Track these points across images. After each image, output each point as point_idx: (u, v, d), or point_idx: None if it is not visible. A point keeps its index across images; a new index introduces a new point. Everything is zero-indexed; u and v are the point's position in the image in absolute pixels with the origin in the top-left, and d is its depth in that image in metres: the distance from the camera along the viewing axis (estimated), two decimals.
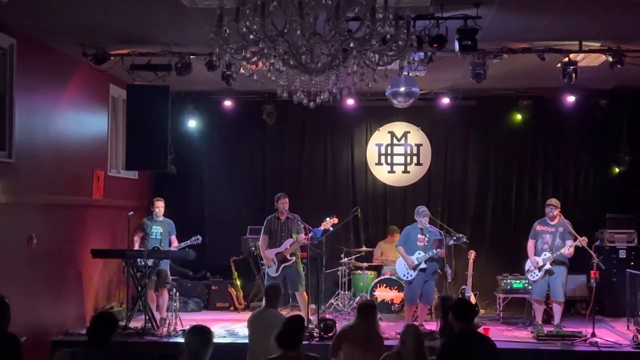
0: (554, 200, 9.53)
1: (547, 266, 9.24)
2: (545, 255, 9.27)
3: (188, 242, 9.84)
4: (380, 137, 12.42)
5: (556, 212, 9.34)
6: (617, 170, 11.73)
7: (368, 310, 6.32)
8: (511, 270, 10.82)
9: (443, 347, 5.21)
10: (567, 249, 9.17)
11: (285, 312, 10.39)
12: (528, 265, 9.54)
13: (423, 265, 9.51)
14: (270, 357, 5.17)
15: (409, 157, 12.37)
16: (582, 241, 9.13)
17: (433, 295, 9.75)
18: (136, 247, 9.81)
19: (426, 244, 9.58)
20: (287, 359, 5.00)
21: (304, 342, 5.45)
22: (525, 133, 11.98)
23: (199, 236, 9.93)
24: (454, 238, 9.66)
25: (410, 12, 5.01)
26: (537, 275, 9.34)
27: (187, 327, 8.92)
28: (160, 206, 9.93)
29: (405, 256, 9.64)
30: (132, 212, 9.76)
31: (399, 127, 12.39)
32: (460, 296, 9.75)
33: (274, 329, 5.79)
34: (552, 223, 9.39)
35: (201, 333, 4.91)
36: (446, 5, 7.25)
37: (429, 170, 12.31)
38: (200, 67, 9.07)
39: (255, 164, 12.55)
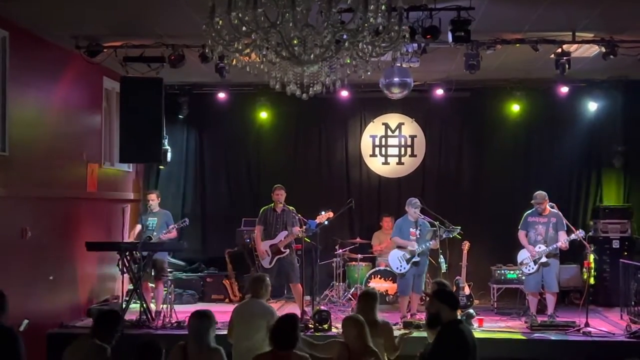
0: (538, 195, 9.41)
1: (543, 259, 9.23)
2: (540, 247, 9.26)
3: (176, 225, 9.86)
4: (374, 128, 12.41)
5: (543, 205, 9.34)
6: (610, 161, 11.73)
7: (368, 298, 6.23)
8: (505, 260, 10.85)
9: (438, 335, 5.06)
10: (563, 243, 9.16)
11: (280, 304, 10.52)
12: (521, 257, 9.48)
13: (416, 259, 9.50)
14: (260, 353, 5.16)
15: (403, 149, 12.37)
16: (579, 234, 9.16)
17: (424, 284, 9.74)
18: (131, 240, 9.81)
19: (418, 237, 9.58)
20: (276, 356, 4.93)
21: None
22: (518, 124, 11.98)
23: (186, 219, 10.01)
24: (448, 229, 9.65)
25: (403, 3, 5.00)
26: (533, 268, 9.29)
27: (182, 320, 9.03)
28: (153, 198, 9.93)
29: (403, 242, 9.58)
30: (126, 205, 9.75)
31: (393, 119, 12.38)
32: (454, 287, 9.81)
33: (257, 319, 5.84)
34: (544, 214, 9.39)
35: (203, 316, 5.28)
36: None
37: (423, 162, 12.31)
38: (193, 59, 9.05)
39: (250, 155, 12.53)
